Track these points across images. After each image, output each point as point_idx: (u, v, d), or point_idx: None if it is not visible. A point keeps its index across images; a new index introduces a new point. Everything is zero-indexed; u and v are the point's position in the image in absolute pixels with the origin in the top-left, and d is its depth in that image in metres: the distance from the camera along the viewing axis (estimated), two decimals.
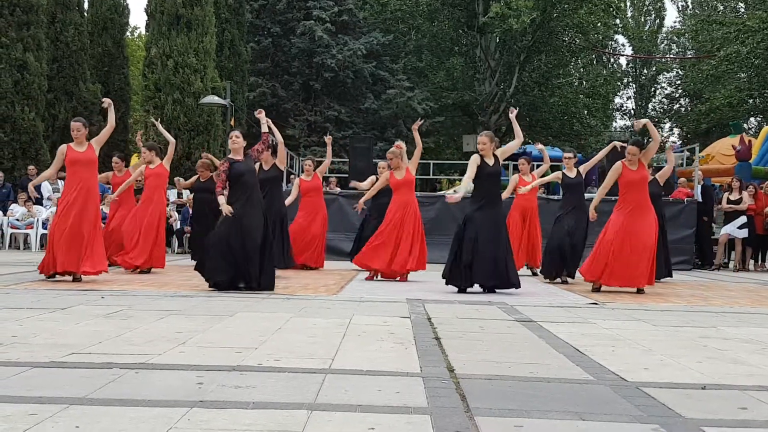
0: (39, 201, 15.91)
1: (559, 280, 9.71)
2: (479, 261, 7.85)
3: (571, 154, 10.13)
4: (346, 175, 16.23)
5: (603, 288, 8.43)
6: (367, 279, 9.49)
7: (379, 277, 9.55)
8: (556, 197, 15.23)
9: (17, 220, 15.31)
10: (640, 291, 8.35)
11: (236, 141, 7.83)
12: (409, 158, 9.87)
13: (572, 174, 9.89)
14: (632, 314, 6.50)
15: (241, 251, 7.46)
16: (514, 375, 3.74)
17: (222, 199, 7.63)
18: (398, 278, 9.47)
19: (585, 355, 4.34)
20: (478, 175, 8.00)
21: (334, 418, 2.88)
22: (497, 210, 8.08)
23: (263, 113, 8.40)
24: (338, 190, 15.73)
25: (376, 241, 9.42)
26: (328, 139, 11.56)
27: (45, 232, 15.17)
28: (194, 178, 11.49)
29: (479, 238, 7.84)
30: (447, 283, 8.11)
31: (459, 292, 7.93)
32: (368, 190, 10.58)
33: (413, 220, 9.45)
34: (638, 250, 8.11)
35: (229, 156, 7.91)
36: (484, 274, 7.91)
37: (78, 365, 3.71)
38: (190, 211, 13.80)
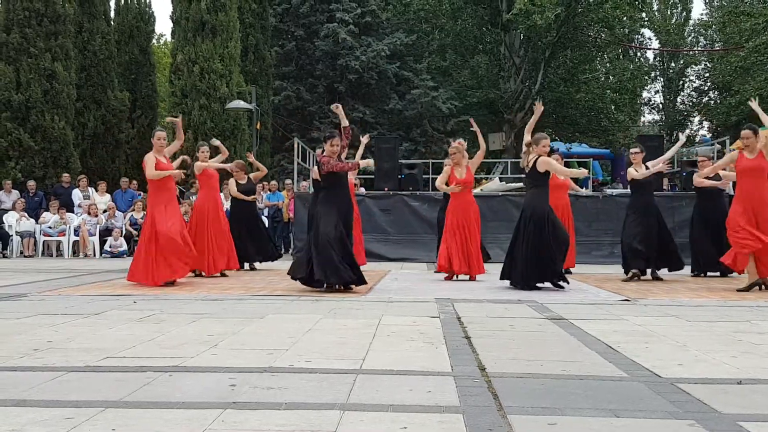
0: (71, 208, 16.16)
1: (636, 278, 9.58)
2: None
3: (638, 149, 9.83)
4: (372, 176, 16.23)
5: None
6: (446, 279, 9.59)
7: (458, 277, 9.65)
8: (584, 194, 15.12)
9: (50, 227, 15.54)
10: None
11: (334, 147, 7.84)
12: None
13: (641, 170, 9.65)
14: (665, 310, 6.42)
15: (316, 249, 7.61)
16: (546, 373, 3.72)
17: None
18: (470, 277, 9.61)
19: (618, 352, 4.30)
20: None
21: (366, 417, 2.89)
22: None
23: (340, 108, 8.23)
24: (363, 191, 15.74)
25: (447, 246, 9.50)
26: (365, 138, 11.12)
27: (77, 238, 15.41)
28: (232, 181, 11.30)
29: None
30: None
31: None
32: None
33: (473, 220, 9.57)
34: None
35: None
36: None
37: (113, 369, 3.75)
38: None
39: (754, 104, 8.38)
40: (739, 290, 8.17)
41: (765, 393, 3.34)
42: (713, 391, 3.34)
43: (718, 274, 10.30)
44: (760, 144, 8.21)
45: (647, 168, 9.59)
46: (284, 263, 11.91)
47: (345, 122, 8.12)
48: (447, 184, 9.71)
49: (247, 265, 11.13)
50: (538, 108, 8.54)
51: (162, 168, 8.45)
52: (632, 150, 9.90)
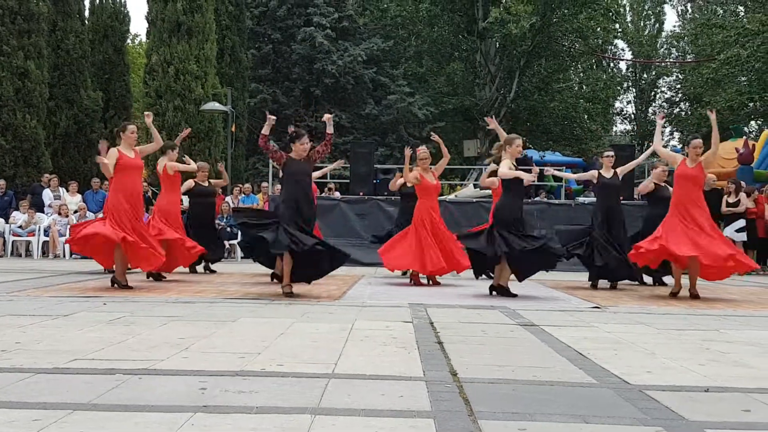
0: (41, 208, 15.95)
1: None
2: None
3: (611, 153, 9.99)
4: (347, 181, 16.24)
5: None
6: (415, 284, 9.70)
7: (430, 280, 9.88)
8: (557, 201, 15.25)
9: (19, 227, 15.33)
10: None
11: (306, 149, 7.82)
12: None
13: (609, 174, 9.74)
14: (634, 318, 6.50)
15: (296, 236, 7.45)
16: (517, 378, 3.74)
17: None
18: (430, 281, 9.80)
19: (588, 359, 4.34)
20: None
21: (338, 422, 2.89)
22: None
23: (330, 117, 8.17)
24: (338, 195, 15.73)
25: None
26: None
27: (47, 239, 15.21)
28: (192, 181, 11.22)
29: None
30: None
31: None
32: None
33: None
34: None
35: (291, 155, 7.87)
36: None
37: (81, 371, 3.71)
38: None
39: (712, 117, 8.52)
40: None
41: (732, 401, 3.39)
42: (681, 399, 3.38)
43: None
44: (701, 157, 8.43)
45: (616, 173, 9.71)
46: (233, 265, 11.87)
47: (330, 130, 8.02)
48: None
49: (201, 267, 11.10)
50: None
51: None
52: (606, 153, 10.06)
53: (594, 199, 11.29)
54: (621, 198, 10.00)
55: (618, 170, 9.75)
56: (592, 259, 9.51)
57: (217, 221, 14.43)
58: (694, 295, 8.34)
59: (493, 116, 8.65)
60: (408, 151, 9.81)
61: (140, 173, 8.55)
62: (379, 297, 7.90)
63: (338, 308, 6.73)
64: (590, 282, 9.83)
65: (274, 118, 8.11)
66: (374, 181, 15.21)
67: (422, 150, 9.88)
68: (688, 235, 8.08)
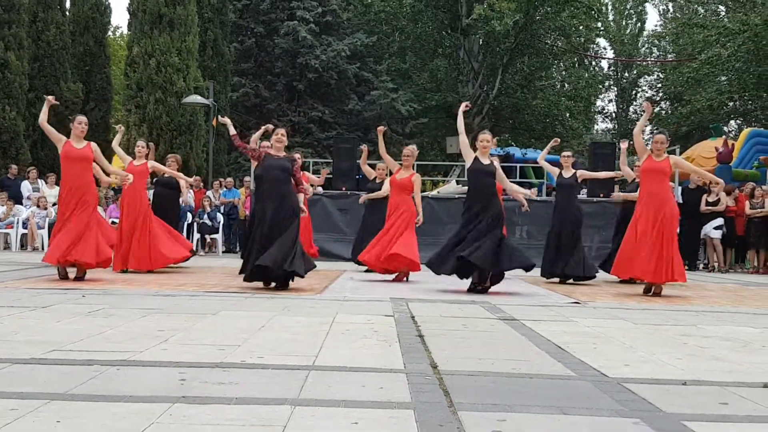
0: (19, 200, 15.78)
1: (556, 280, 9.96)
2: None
3: (569, 153, 10.28)
4: (330, 176, 16.20)
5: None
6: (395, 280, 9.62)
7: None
8: (538, 198, 15.31)
9: None
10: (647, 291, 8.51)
11: (281, 140, 7.97)
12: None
13: (567, 174, 9.94)
14: (613, 313, 6.54)
15: (264, 241, 7.58)
16: (496, 371, 3.76)
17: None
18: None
19: (566, 352, 4.37)
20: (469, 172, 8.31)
21: (318, 413, 2.88)
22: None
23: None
24: (321, 190, 15.70)
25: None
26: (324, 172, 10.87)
27: (25, 231, 15.06)
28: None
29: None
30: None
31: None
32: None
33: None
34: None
35: (269, 149, 8.00)
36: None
37: (59, 362, 3.68)
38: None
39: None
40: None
41: (708, 394, 3.43)
42: (659, 391, 3.41)
43: None
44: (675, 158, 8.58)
45: (574, 174, 9.96)
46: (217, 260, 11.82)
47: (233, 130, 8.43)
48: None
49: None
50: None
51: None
52: (564, 154, 10.33)
53: (584, 197, 11.49)
54: (574, 196, 10.14)
55: (579, 173, 9.95)
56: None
57: (197, 217, 14.41)
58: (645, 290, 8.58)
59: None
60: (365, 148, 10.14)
61: (86, 164, 8.37)
62: (360, 291, 7.90)
63: (319, 302, 6.72)
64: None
65: (227, 120, 8.38)
66: (357, 177, 15.19)
67: (409, 147, 9.93)
68: (635, 249, 8.21)
